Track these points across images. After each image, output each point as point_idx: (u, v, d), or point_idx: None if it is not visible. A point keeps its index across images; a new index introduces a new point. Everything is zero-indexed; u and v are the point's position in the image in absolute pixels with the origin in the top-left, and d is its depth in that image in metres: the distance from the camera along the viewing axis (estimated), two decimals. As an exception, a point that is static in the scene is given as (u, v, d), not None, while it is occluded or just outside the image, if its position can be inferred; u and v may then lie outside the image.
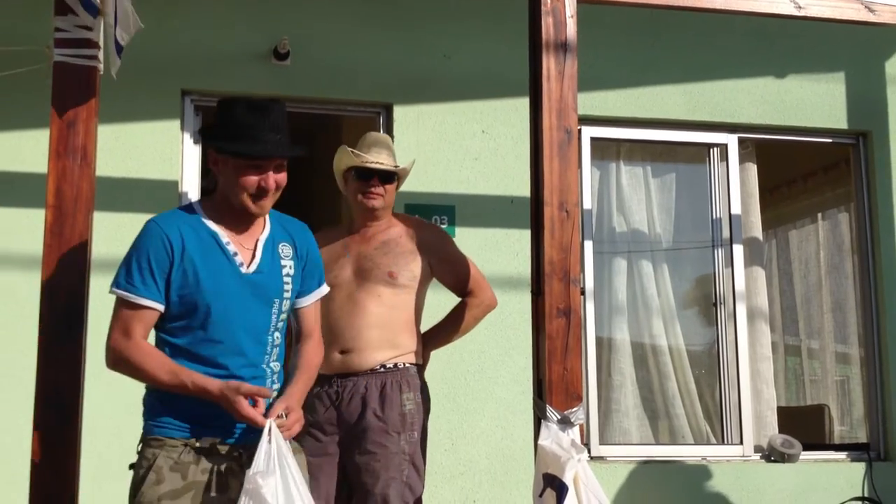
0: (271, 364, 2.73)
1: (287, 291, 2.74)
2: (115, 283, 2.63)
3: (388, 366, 3.45)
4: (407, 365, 3.49)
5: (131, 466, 2.64)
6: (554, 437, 3.23)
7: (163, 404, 2.61)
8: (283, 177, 2.70)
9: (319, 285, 2.87)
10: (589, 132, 5.43)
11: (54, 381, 3.00)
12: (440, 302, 3.75)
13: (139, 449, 2.64)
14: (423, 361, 3.64)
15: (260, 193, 2.65)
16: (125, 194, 4.71)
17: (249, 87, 4.96)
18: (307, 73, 5.04)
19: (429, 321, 3.70)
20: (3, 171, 4.64)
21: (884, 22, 4.18)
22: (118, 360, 2.61)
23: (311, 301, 2.84)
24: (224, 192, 2.70)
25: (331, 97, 5.14)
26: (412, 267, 3.54)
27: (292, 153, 2.69)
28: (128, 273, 2.61)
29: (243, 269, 2.68)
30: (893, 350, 5.53)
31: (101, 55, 3.18)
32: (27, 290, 4.32)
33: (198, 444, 2.59)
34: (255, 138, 2.62)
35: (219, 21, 5.01)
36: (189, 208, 2.75)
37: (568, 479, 2.98)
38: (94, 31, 3.14)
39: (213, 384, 2.54)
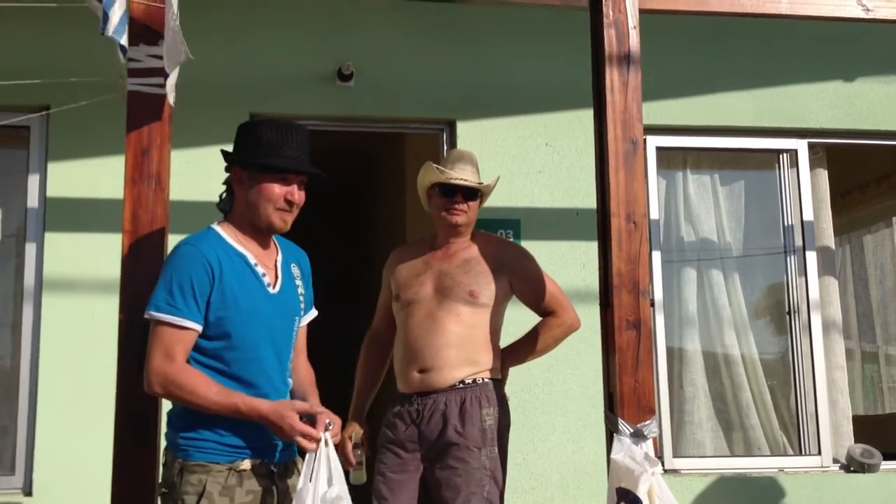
0: (287, 381, 2.80)
1: (301, 310, 2.85)
2: (155, 307, 2.62)
3: (467, 382, 3.45)
4: (486, 380, 3.49)
5: (166, 494, 2.62)
6: (627, 451, 3.20)
7: (204, 427, 2.61)
8: (303, 195, 2.77)
9: (312, 306, 2.96)
10: (654, 142, 5.39)
11: (133, 402, 3.07)
12: (520, 318, 3.74)
13: (176, 474, 2.60)
14: (503, 377, 3.63)
15: (286, 207, 2.72)
16: (198, 217, 4.79)
17: (315, 108, 5.05)
18: (371, 93, 5.10)
19: (508, 338, 3.70)
20: (81, 198, 4.78)
21: (958, 21, 4.07)
22: (165, 384, 2.59)
23: (306, 321, 2.93)
24: (245, 213, 2.75)
25: (394, 115, 5.19)
26: (492, 286, 3.53)
27: (318, 172, 2.75)
28: (170, 295, 2.61)
29: (270, 290, 2.74)
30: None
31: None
32: (105, 314, 4.45)
33: (241, 468, 2.62)
34: (282, 155, 2.69)
35: (283, 45, 5.10)
36: (211, 232, 2.76)
37: (642, 494, 2.95)
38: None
39: (264, 404, 2.58)
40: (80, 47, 4.55)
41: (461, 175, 3.54)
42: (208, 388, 2.58)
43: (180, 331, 2.61)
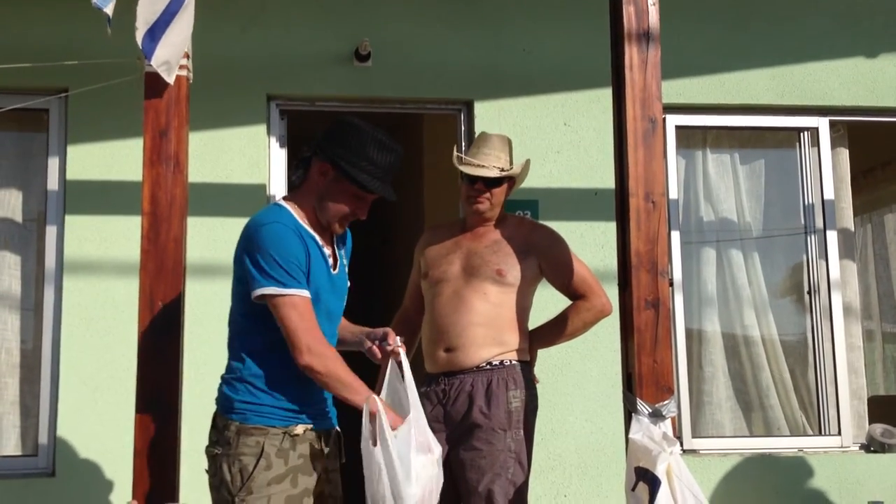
0: None
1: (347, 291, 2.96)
2: (282, 285, 2.66)
3: (493, 363, 3.44)
4: (513, 362, 3.48)
5: (219, 454, 2.71)
6: (645, 431, 3.19)
7: (264, 392, 2.73)
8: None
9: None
10: (674, 121, 5.35)
11: (154, 381, 3.10)
12: (549, 300, 3.73)
13: (232, 435, 2.71)
14: (531, 359, 3.62)
15: (351, 219, 2.83)
16: (216, 199, 4.82)
17: (332, 89, 5.04)
18: (388, 74, 5.08)
19: (537, 321, 3.69)
20: (99, 181, 4.80)
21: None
22: (332, 358, 2.68)
23: None
24: (313, 200, 2.82)
25: (412, 96, 5.17)
26: (521, 266, 3.51)
27: (394, 198, 2.85)
28: (288, 274, 2.68)
29: (332, 271, 2.85)
30: None
31: (189, 64, 3.26)
32: (125, 296, 4.48)
33: (295, 432, 2.72)
34: (375, 175, 2.77)
35: (300, 26, 5.09)
36: (285, 211, 2.81)
37: (660, 473, 2.95)
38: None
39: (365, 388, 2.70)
40: (97, 29, 4.54)
41: (482, 161, 3.51)
42: (359, 384, 2.68)
43: (308, 305, 2.70)
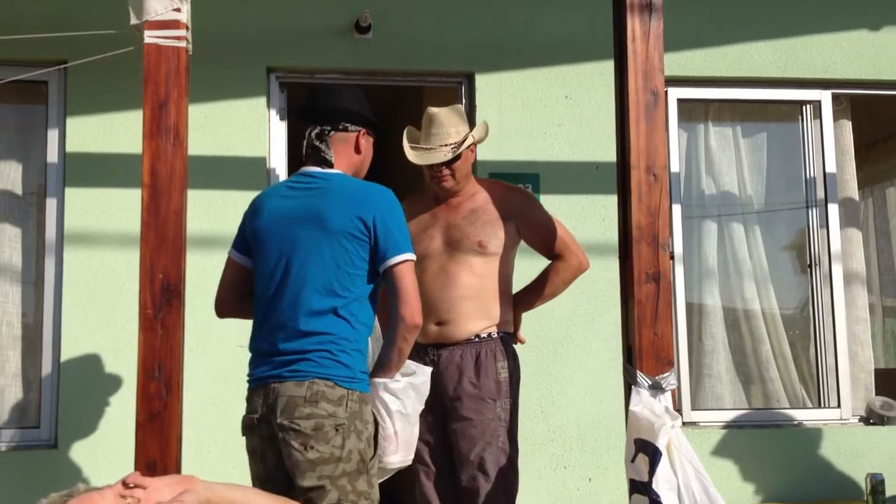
0: None
1: None
2: (412, 251, 2.98)
3: (482, 336, 3.50)
4: (501, 334, 3.54)
5: (344, 426, 2.82)
6: (646, 403, 3.20)
7: (364, 362, 2.93)
8: None
9: None
10: (676, 93, 5.32)
11: (155, 355, 3.10)
12: (531, 266, 3.76)
13: (356, 405, 2.85)
14: (515, 327, 3.66)
15: None
16: (216, 172, 4.81)
17: (332, 62, 5.01)
18: (389, 46, 5.05)
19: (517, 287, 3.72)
20: (98, 153, 4.79)
21: None
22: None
23: None
24: (357, 166, 3.17)
25: (413, 69, 5.14)
26: (500, 234, 3.55)
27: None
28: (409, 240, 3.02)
29: None
30: None
31: (189, 35, 3.24)
32: (126, 268, 4.49)
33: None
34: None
35: (300, -3, 5.05)
36: None
37: (661, 445, 2.96)
38: (182, 13, 3.20)
39: None
40: (96, 1, 4.53)
41: (431, 144, 3.52)
42: None
43: None
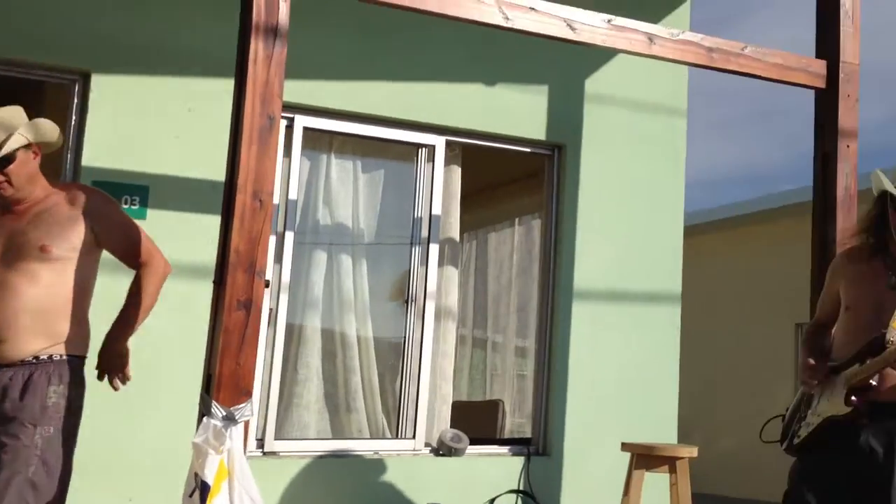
0: None
1: None
2: None
3: (41, 357, 3.17)
4: (63, 357, 3.21)
5: None
6: (210, 434, 3.13)
7: None
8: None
9: None
10: (302, 121, 5.36)
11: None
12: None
13: None
14: (115, 352, 3.33)
15: None
16: None
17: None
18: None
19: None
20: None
21: (583, 41, 4.31)
22: None
23: None
24: None
25: (21, 58, 4.68)
26: (71, 236, 3.22)
27: None
28: None
29: None
30: (561, 350, 5.84)
31: None
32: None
33: None
34: None
35: None
36: None
37: (209, 477, 2.90)
38: None
39: None
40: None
41: None
42: None
43: None
